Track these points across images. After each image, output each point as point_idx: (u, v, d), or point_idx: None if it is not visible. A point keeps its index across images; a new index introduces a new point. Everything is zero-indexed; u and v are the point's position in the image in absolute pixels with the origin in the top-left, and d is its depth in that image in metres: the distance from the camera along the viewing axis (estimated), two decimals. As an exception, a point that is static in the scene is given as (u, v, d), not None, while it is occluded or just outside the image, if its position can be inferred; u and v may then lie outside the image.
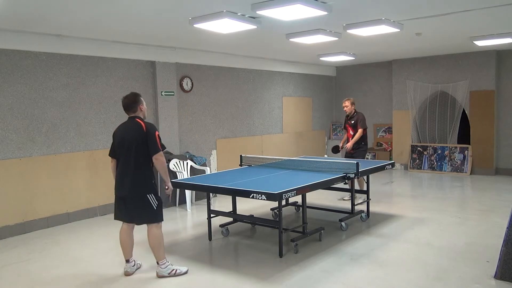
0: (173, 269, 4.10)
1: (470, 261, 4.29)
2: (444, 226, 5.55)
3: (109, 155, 4.14)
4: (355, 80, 11.42)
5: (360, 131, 6.80)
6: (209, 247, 5.07)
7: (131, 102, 4.01)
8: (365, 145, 6.98)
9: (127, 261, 4.20)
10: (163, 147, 4.05)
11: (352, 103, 6.94)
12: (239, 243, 5.19)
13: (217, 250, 4.99)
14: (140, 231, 4.42)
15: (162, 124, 7.41)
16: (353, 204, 5.83)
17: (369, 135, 11.09)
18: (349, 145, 6.87)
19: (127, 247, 4.17)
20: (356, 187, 6.43)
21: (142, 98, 4.09)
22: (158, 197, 4.02)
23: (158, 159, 3.90)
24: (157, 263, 4.10)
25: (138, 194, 3.93)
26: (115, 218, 4.20)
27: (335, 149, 7.13)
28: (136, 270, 4.26)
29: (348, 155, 6.97)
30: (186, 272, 4.14)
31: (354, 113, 6.94)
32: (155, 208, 3.98)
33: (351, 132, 6.97)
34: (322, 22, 5.58)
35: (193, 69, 8.01)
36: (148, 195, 3.93)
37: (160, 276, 4.07)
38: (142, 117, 4.05)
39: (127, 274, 4.18)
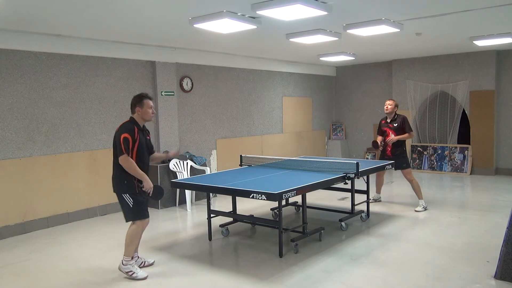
0: (130, 271, 4.05)
1: (470, 261, 4.30)
2: (444, 226, 5.55)
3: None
4: (355, 80, 11.42)
5: (411, 134, 6.38)
6: (209, 247, 5.07)
7: (131, 104, 4.11)
8: (405, 151, 6.50)
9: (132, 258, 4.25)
10: (129, 150, 3.95)
11: (396, 105, 6.48)
12: (239, 243, 5.19)
13: (217, 250, 4.99)
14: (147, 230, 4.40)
15: (162, 124, 7.41)
16: (353, 204, 5.83)
17: (369, 135, 11.11)
18: (395, 138, 6.30)
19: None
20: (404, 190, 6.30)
21: (146, 101, 4.07)
22: (134, 196, 4.00)
23: (122, 162, 3.91)
24: (123, 257, 4.12)
25: (117, 193, 4.07)
26: None
27: (375, 144, 6.55)
28: (141, 264, 4.35)
29: (387, 158, 6.46)
30: (143, 278, 4.03)
31: (396, 116, 6.45)
32: (130, 206, 4.01)
33: (392, 135, 6.40)
34: (322, 22, 5.58)
35: (193, 69, 8.01)
36: (123, 195, 4.01)
37: (120, 270, 4.11)
38: (139, 119, 4.09)
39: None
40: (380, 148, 6.61)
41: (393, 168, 6.22)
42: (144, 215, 4.11)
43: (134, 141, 3.96)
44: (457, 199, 7.26)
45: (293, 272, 4.15)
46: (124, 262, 4.10)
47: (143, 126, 4.19)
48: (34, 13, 4.75)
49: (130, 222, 4.13)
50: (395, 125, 6.41)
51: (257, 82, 9.44)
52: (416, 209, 6.35)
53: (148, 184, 4.05)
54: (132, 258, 4.15)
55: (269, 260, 4.49)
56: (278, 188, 4.23)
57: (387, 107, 6.48)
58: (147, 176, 4.07)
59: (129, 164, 3.92)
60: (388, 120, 6.53)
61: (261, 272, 4.17)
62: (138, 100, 4.07)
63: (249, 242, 5.19)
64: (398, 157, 6.39)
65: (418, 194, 6.42)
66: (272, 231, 5.45)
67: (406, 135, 6.35)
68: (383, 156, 6.62)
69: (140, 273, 4.09)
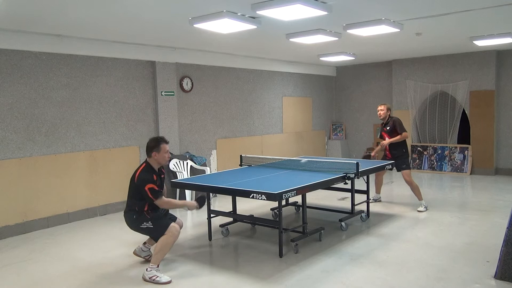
0: (154, 275, 3.97)
1: (470, 261, 4.30)
2: (444, 226, 5.55)
3: None
4: (355, 80, 11.42)
5: (404, 135, 6.34)
6: (209, 247, 5.07)
7: (148, 146, 4.17)
8: (406, 152, 6.50)
9: (144, 243, 4.55)
10: (160, 192, 4.12)
11: (388, 109, 6.50)
12: (239, 243, 5.19)
13: (217, 250, 4.99)
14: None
15: (162, 124, 7.41)
16: (353, 204, 5.83)
17: (369, 135, 11.11)
18: (386, 142, 6.39)
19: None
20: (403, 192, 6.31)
21: (163, 145, 4.15)
22: (148, 219, 4.11)
23: (162, 205, 4.14)
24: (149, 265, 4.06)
25: (135, 229, 4.22)
26: None
27: (367, 158, 6.73)
28: (145, 256, 4.49)
29: (388, 160, 6.45)
30: (166, 282, 3.94)
31: (388, 119, 6.50)
32: (152, 227, 4.11)
33: (386, 139, 6.49)
34: (322, 22, 5.58)
35: (193, 69, 8.01)
36: (140, 227, 4.15)
37: (143, 279, 4.02)
38: (154, 163, 4.17)
39: (134, 252, 4.53)
40: (374, 154, 6.79)
41: (393, 169, 6.27)
42: (167, 224, 4.09)
43: (158, 185, 4.11)
44: (457, 199, 7.26)
45: (293, 272, 4.15)
46: (148, 269, 4.01)
47: (159, 169, 4.27)
48: (34, 13, 4.75)
49: None
50: (388, 128, 6.48)
51: (257, 82, 9.44)
52: (418, 209, 6.34)
53: (191, 205, 4.32)
54: (158, 265, 4.07)
55: (269, 260, 4.49)
56: (278, 188, 4.23)
57: (379, 113, 6.55)
58: (185, 201, 4.38)
59: (167, 204, 4.19)
60: (383, 125, 6.62)
61: (261, 272, 4.17)
62: (156, 145, 4.13)
63: (249, 242, 5.19)
64: (398, 158, 6.41)
65: (418, 196, 6.40)
66: (272, 231, 5.45)
67: (398, 137, 6.36)
68: (384, 159, 6.66)
69: (164, 277, 3.98)
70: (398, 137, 6.37)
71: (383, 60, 10.65)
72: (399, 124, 6.41)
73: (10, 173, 5.69)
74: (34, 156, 5.93)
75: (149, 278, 3.96)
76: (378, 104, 6.84)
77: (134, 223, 4.15)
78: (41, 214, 5.99)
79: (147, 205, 4.10)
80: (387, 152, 6.57)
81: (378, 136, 6.77)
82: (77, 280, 4.12)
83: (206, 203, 4.35)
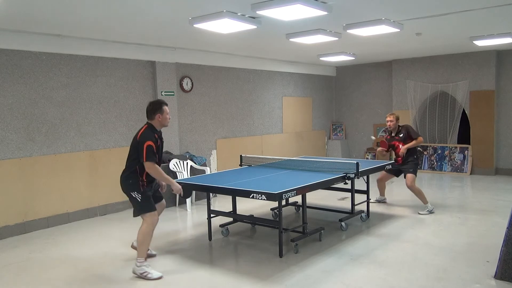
0: (145, 271, 4.04)
1: (470, 261, 4.29)
2: (444, 226, 5.55)
3: None
4: (355, 80, 11.42)
5: (420, 140, 6.30)
6: (209, 247, 5.07)
7: (149, 109, 4.23)
8: (417, 159, 6.47)
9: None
10: (155, 156, 4.10)
11: (397, 118, 6.48)
12: (239, 243, 5.19)
13: (217, 250, 4.99)
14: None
15: (162, 124, 7.40)
16: (353, 204, 5.83)
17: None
18: (403, 149, 6.28)
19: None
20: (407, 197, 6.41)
21: (165, 107, 4.23)
22: (141, 192, 4.16)
23: (149, 169, 4.06)
24: (136, 259, 4.13)
25: (125, 192, 4.24)
26: None
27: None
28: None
29: (397, 166, 6.43)
30: (157, 278, 4.03)
31: (399, 128, 6.47)
32: (139, 200, 4.16)
33: (401, 147, 6.35)
34: (322, 22, 5.58)
35: (193, 69, 8.01)
36: (131, 193, 4.17)
37: (133, 273, 4.09)
38: (157, 125, 4.22)
39: (132, 246, 4.52)
40: (378, 149, 6.69)
41: (395, 175, 6.42)
42: (152, 208, 4.19)
43: (156, 148, 4.12)
44: (457, 199, 7.26)
45: (293, 272, 4.15)
46: (138, 264, 4.08)
47: (160, 131, 4.29)
48: (34, 13, 4.75)
49: (139, 222, 4.24)
50: (401, 135, 6.42)
51: (257, 82, 9.44)
52: (420, 212, 6.22)
53: (176, 187, 4.30)
54: (146, 259, 4.14)
55: (269, 260, 4.49)
56: (278, 188, 4.23)
57: (389, 124, 6.49)
58: (173, 181, 4.29)
59: (155, 170, 4.08)
60: (393, 134, 6.55)
61: (261, 272, 4.17)
62: (159, 107, 4.20)
63: (249, 242, 5.19)
64: (407, 163, 6.35)
65: (423, 200, 6.28)
66: (272, 231, 5.45)
67: (413, 142, 6.31)
68: (393, 166, 6.47)
69: (155, 273, 4.07)
70: (413, 142, 6.31)
71: (383, 60, 10.65)
72: (412, 130, 6.41)
73: (10, 173, 5.69)
74: (34, 156, 5.93)
75: (140, 274, 4.04)
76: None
77: (128, 187, 4.17)
78: (41, 214, 5.99)
79: (144, 174, 4.13)
80: (399, 159, 6.44)
81: (387, 149, 6.66)
82: (77, 280, 4.12)
83: (191, 196, 4.40)
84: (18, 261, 4.71)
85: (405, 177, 6.32)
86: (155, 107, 4.20)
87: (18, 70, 5.75)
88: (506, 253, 3.74)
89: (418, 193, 6.28)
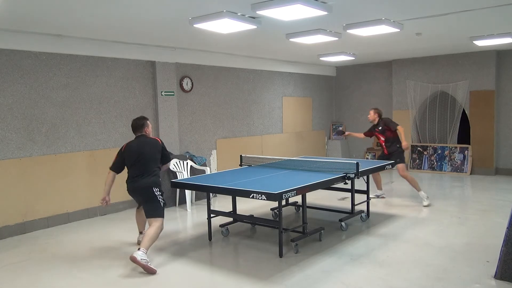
0: (147, 261, 4.18)
1: (470, 261, 4.30)
2: (444, 226, 5.55)
3: (112, 168, 4.78)
4: (355, 80, 11.42)
5: (400, 128, 6.75)
6: (209, 247, 5.07)
7: (139, 125, 4.73)
8: (400, 147, 6.79)
9: (141, 232, 5.06)
10: None
11: (376, 112, 7.03)
12: (239, 243, 5.19)
13: (217, 250, 4.99)
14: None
15: (162, 124, 7.41)
16: (353, 204, 5.83)
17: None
18: (405, 143, 6.70)
19: (140, 222, 5.09)
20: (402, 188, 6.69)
21: (148, 122, 4.82)
22: (161, 194, 4.65)
23: (169, 165, 4.99)
24: (139, 248, 4.22)
25: (148, 189, 4.60)
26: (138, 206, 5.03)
27: (341, 133, 7.56)
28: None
29: (385, 157, 6.84)
30: (152, 273, 4.15)
31: (379, 121, 7.00)
32: (161, 205, 4.61)
33: (382, 139, 6.96)
34: (322, 22, 5.58)
35: (193, 69, 8.01)
36: (155, 193, 4.58)
37: (132, 258, 4.11)
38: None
39: (138, 243, 4.85)
40: (343, 135, 7.71)
41: (393, 167, 6.47)
42: (163, 213, 4.61)
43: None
44: (457, 199, 7.26)
45: (293, 272, 4.15)
46: (142, 252, 4.18)
47: None
48: (34, 13, 4.75)
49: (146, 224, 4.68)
50: (380, 128, 6.97)
51: (257, 82, 9.44)
52: (424, 203, 6.58)
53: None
54: (141, 233, 4.89)
55: (269, 260, 4.49)
56: (278, 188, 4.23)
57: (368, 118, 7.13)
58: None
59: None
60: (374, 126, 7.11)
61: (261, 272, 4.17)
62: (145, 122, 4.75)
63: (249, 242, 5.19)
64: (393, 155, 6.77)
65: (416, 187, 6.69)
66: (272, 231, 5.45)
67: (401, 134, 6.75)
68: (382, 156, 7.03)
69: (152, 268, 4.24)
70: (401, 134, 6.76)
71: (383, 60, 10.65)
72: (389, 121, 6.93)
73: (10, 173, 5.69)
74: (34, 156, 5.93)
75: (141, 259, 4.12)
76: (378, 104, 7.13)
77: (155, 185, 4.54)
78: (41, 214, 5.99)
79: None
80: (384, 148, 6.98)
81: (366, 131, 7.44)
82: (77, 280, 4.12)
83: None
84: (18, 261, 4.71)
85: (396, 168, 6.73)
86: (141, 122, 4.72)
87: (18, 70, 5.75)
88: (506, 253, 3.74)
89: (411, 180, 6.70)
